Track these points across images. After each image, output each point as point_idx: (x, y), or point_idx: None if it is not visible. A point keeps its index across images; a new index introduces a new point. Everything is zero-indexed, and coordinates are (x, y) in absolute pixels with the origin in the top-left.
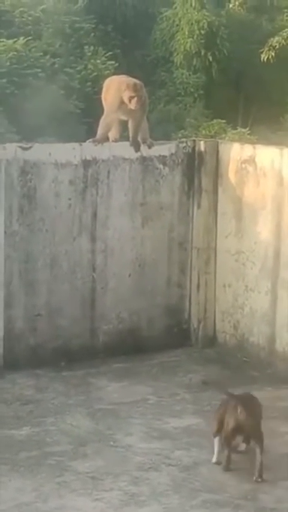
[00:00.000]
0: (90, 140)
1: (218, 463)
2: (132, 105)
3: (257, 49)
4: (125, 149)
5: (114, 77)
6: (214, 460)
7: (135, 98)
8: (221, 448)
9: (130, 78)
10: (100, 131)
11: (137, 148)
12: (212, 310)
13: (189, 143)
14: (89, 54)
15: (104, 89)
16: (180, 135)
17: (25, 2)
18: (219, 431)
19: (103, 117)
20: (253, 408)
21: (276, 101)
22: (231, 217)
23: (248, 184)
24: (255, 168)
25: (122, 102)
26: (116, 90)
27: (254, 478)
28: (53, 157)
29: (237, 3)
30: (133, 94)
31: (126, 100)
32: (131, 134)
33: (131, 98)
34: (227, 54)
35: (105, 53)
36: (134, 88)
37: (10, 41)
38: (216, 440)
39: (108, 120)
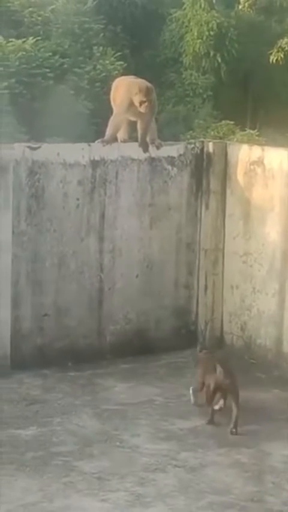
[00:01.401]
0: (99, 140)
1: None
2: (143, 109)
3: (265, 50)
4: (133, 150)
5: (123, 77)
6: (192, 401)
7: (146, 103)
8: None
9: (140, 80)
10: (109, 131)
11: (146, 149)
12: (219, 311)
13: (197, 145)
14: (98, 54)
15: (112, 90)
16: (188, 136)
17: (34, 2)
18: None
19: (112, 118)
20: (229, 366)
21: (284, 103)
22: (239, 219)
23: (257, 185)
24: (264, 170)
25: (131, 104)
26: (126, 91)
27: (229, 429)
28: (61, 157)
29: (246, 4)
30: (144, 99)
31: (136, 103)
32: (139, 135)
33: (141, 103)
34: (236, 55)
35: (114, 54)
36: (145, 92)
37: (19, 41)
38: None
39: (117, 121)
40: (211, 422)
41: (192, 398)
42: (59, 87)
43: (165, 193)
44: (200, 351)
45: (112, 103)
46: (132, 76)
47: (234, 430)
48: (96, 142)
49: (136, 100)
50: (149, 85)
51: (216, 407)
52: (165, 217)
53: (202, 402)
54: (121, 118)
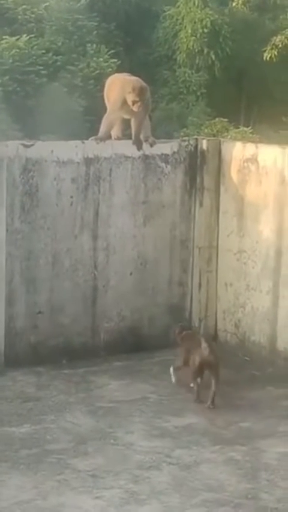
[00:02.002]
0: (93, 138)
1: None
2: (135, 108)
3: (259, 48)
4: (127, 148)
5: (116, 75)
6: (174, 380)
7: (139, 102)
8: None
9: (134, 78)
10: (102, 129)
11: (139, 146)
12: (213, 309)
13: (191, 142)
14: (92, 52)
15: (106, 87)
16: (182, 133)
17: (28, 0)
18: (183, 366)
19: (106, 115)
20: (212, 344)
21: (278, 100)
22: (233, 216)
23: (250, 183)
24: (258, 167)
25: (125, 102)
26: (120, 89)
27: (207, 405)
28: (55, 154)
29: (240, 1)
30: (137, 99)
31: (129, 102)
32: (133, 133)
33: (134, 102)
34: (230, 53)
35: (107, 51)
36: (138, 92)
37: (13, 39)
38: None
39: (111, 118)
40: (198, 400)
41: (173, 377)
42: (52, 84)
43: (159, 191)
44: (179, 332)
45: (106, 101)
46: (126, 74)
47: (211, 406)
48: (89, 139)
49: (129, 98)
50: (142, 84)
51: (206, 406)
52: (159, 215)
53: (183, 380)
54: (115, 116)
